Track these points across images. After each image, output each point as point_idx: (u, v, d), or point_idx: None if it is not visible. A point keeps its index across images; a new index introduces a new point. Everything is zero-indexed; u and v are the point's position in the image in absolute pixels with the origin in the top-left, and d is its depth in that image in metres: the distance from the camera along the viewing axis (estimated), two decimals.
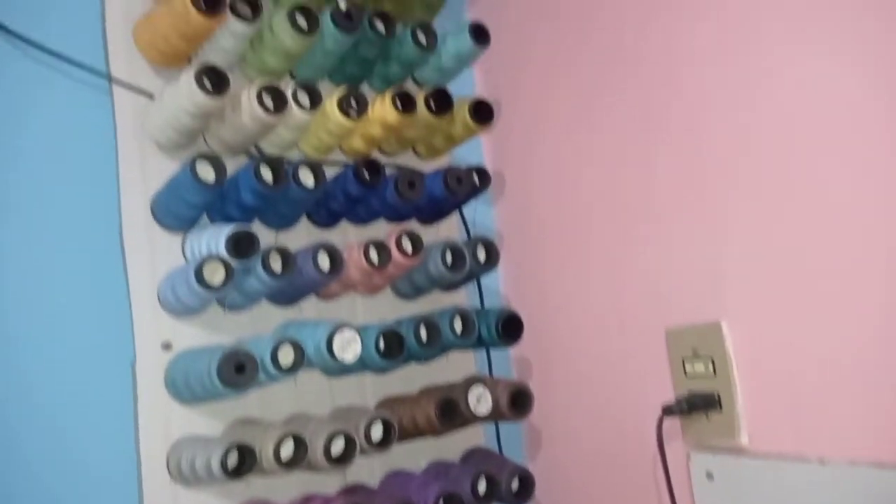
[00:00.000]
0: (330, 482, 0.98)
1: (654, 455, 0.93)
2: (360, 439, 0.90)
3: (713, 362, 0.84)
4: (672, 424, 0.88)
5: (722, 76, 0.83)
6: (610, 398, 1.01)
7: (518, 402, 0.99)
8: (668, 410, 0.84)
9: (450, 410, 0.95)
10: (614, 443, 1.00)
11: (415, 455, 1.05)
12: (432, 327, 0.96)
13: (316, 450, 0.87)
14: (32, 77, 0.91)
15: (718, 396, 0.83)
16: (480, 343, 1.04)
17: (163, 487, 0.89)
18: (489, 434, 1.12)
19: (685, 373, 0.87)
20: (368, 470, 1.01)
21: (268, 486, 0.94)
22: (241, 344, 0.87)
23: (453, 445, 1.08)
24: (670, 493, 0.82)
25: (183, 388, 0.88)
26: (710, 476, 0.84)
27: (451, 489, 0.94)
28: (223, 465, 0.81)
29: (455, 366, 1.10)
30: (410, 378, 1.06)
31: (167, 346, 0.92)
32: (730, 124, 0.83)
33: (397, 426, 0.93)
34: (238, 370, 0.82)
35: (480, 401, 0.97)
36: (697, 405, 0.84)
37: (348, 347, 0.88)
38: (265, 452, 0.84)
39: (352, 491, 0.97)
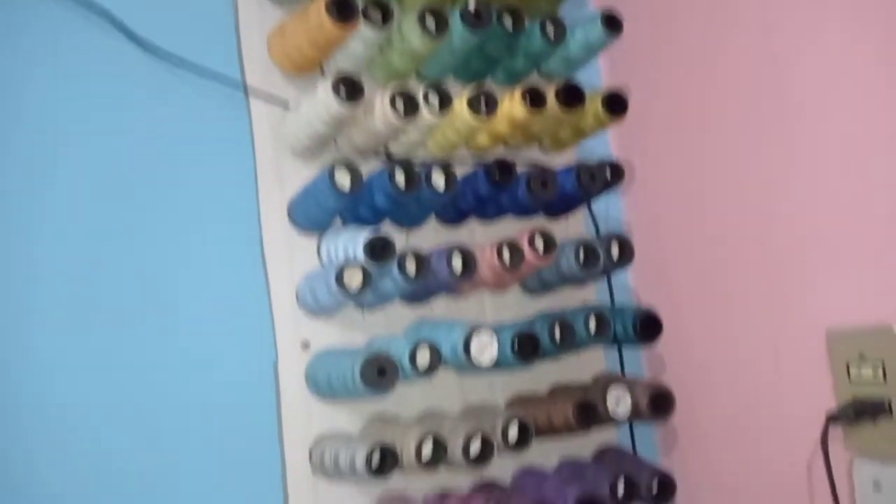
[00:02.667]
0: (462, 477, 0.99)
1: (807, 462, 0.88)
2: (497, 440, 0.90)
3: (883, 367, 0.78)
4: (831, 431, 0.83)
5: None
6: (756, 401, 0.96)
7: (659, 404, 0.95)
8: (833, 418, 0.78)
9: (588, 413, 0.93)
10: (762, 449, 0.95)
11: (545, 452, 1.04)
12: (566, 327, 0.94)
13: (454, 450, 0.87)
14: (171, 88, 0.95)
15: (889, 403, 0.77)
16: (614, 341, 1.01)
17: (305, 480, 0.93)
18: (622, 431, 1.10)
19: (849, 377, 0.81)
20: (499, 465, 1.01)
21: (403, 479, 0.95)
22: (379, 345, 0.89)
23: (584, 443, 1.07)
24: (835, 501, 0.77)
25: (325, 387, 0.91)
26: (877, 486, 0.79)
27: (590, 491, 0.93)
28: (368, 463, 0.83)
29: (585, 363, 1.08)
30: (539, 375, 1.05)
31: (306, 346, 0.96)
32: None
33: (532, 427, 0.92)
34: (380, 373, 0.83)
35: (619, 403, 0.95)
36: (865, 412, 0.78)
37: (485, 350, 0.88)
38: (406, 452, 0.86)
39: (486, 488, 0.97)
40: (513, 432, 0.91)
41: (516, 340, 0.90)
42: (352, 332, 0.97)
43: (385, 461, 0.85)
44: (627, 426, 1.09)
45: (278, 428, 0.94)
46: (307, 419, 0.94)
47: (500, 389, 1.04)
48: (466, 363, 0.87)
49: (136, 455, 0.88)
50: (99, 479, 0.86)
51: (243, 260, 0.96)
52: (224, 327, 0.95)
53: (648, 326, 0.98)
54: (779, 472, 0.92)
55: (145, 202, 0.93)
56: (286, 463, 0.93)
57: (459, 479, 0.99)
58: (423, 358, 0.86)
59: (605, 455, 1.06)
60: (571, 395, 0.96)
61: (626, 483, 0.96)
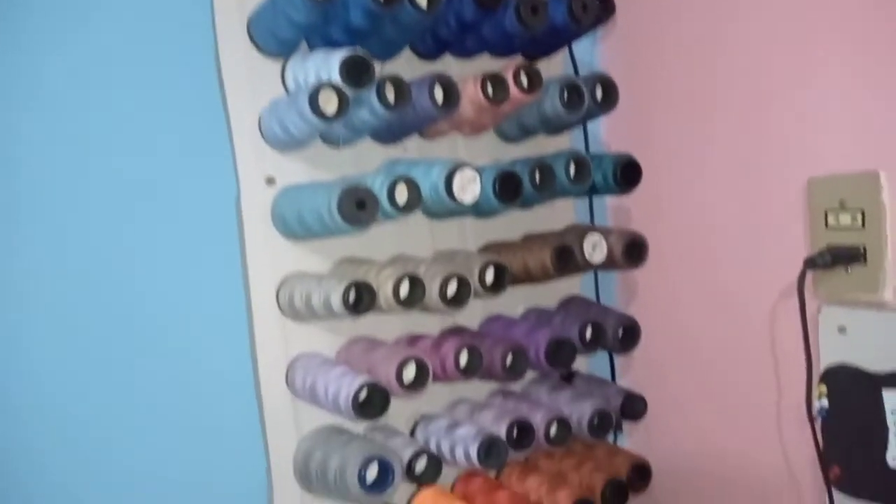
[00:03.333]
0: (429, 323, 0.97)
1: (772, 306, 0.91)
2: (474, 283, 0.87)
3: (863, 214, 0.78)
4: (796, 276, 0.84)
5: None
6: (724, 249, 0.96)
7: (634, 251, 0.95)
8: (810, 263, 0.79)
9: (565, 258, 0.92)
10: (728, 296, 0.97)
11: (510, 302, 1.03)
12: (546, 171, 0.91)
13: (431, 291, 0.84)
14: None
15: (864, 249, 0.78)
16: (591, 190, 0.99)
17: (273, 321, 0.89)
18: (584, 283, 1.10)
19: (826, 225, 0.82)
20: (467, 313, 1.00)
21: (371, 325, 0.93)
22: (354, 180, 0.83)
23: (549, 292, 1.07)
24: (806, 344, 0.79)
25: (295, 224, 0.85)
26: (842, 330, 0.82)
27: (560, 335, 0.93)
28: (345, 301, 0.80)
29: (555, 215, 1.06)
30: (509, 224, 1.03)
31: (270, 181, 0.89)
32: None
33: (509, 270, 0.90)
34: (359, 206, 0.78)
35: (595, 249, 0.94)
36: (841, 258, 0.79)
37: (468, 188, 0.83)
38: (383, 291, 0.82)
39: (457, 333, 0.96)
40: (489, 275, 0.89)
41: (498, 180, 0.86)
42: (320, 170, 0.91)
43: (361, 299, 0.81)
44: (592, 277, 1.10)
45: (242, 268, 0.89)
46: (273, 259, 0.89)
47: (472, 237, 1.01)
48: (447, 201, 0.83)
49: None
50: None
51: (197, 85, 0.87)
52: (180, 161, 0.87)
53: (629, 172, 0.95)
54: (744, 319, 0.94)
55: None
56: (252, 304, 0.88)
57: (427, 325, 0.97)
58: (402, 194, 0.81)
59: (570, 304, 1.06)
60: (548, 242, 0.94)
61: (593, 329, 0.97)
